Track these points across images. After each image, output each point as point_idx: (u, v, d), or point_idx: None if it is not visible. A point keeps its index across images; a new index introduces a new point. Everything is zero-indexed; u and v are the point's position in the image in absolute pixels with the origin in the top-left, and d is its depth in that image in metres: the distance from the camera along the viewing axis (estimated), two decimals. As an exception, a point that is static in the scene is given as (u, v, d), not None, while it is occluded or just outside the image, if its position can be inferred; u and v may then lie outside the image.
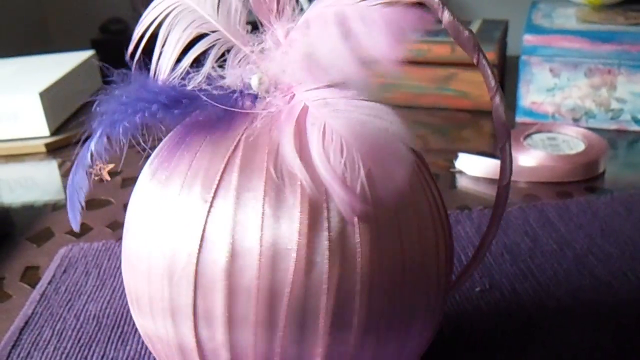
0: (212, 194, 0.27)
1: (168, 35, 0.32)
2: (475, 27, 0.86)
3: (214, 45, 0.32)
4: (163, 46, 0.32)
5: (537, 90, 0.75)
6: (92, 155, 0.29)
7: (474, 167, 0.64)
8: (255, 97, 0.30)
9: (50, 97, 0.80)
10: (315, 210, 0.26)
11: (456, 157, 0.66)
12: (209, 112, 0.29)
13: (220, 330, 0.27)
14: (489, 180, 0.64)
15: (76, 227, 0.32)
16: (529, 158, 0.64)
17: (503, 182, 0.33)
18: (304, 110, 0.27)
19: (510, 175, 0.33)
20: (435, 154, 0.70)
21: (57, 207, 0.64)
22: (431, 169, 0.33)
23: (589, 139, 0.67)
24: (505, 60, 0.91)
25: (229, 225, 0.27)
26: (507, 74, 0.91)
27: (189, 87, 0.30)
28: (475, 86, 0.80)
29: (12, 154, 0.77)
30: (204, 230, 0.27)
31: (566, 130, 0.69)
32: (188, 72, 0.31)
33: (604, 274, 0.48)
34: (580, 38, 0.72)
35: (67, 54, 0.93)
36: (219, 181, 0.27)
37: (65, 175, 0.71)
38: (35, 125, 0.79)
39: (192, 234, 0.27)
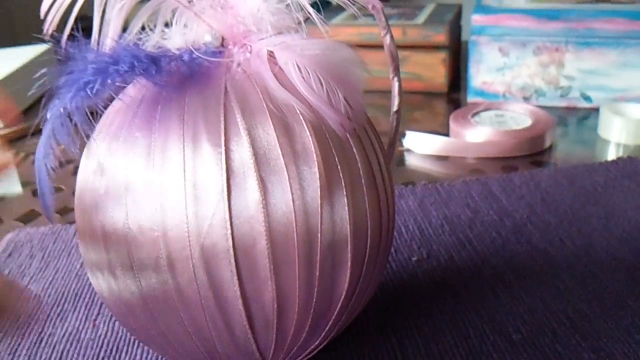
0: (223, 138, 0.28)
1: (106, 3, 0.31)
2: (428, 11, 0.87)
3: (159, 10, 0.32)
4: (103, 15, 0.31)
5: (487, 70, 0.76)
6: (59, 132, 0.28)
7: (421, 145, 0.65)
8: (212, 53, 0.31)
9: (6, 89, 0.79)
10: (318, 131, 0.29)
11: (404, 135, 0.66)
12: (173, 72, 0.29)
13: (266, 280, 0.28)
14: (436, 157, 0.64)
15: (50, 216, 0.30)
16: (476, 134, 0.65)
17: (393, 109, 0.38)
18: (270, 54, 0.30)
19: (400, 102, 0.38)
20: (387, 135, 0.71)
21: (7, 197, 0.64)
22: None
23: (536, 115, 0.68)
24: (460, 44, 0.92)
25: (250, 159, 0.28)
26: (462, 58, 0.92)
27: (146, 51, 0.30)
28: (428, 68, 0.81)
29: (-34, 147, 0.77)
30: (227, 168, 0.27)
31: (514, 107, 0.70)
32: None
33: (541, 241, 0.49)
34: (527, 16, 0.73)
35: (25, 47, 0.93)
36: (225, 124, 0.28)
37: (18, 166, 0.71)
38: (-11, 117, 0.78)
39: (215, 176, 0.27)
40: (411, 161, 0.64)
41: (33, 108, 0.86)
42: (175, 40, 0.32)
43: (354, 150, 0.30)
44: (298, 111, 0.29)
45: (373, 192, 0.31)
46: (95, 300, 0.45)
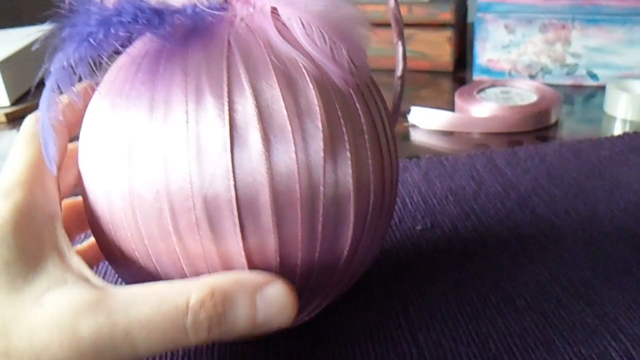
0: (225, 91, 0.27)
1: None
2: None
3: None
4: None
5: (493, 47, 0.76)
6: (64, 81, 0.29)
7: (426, 120, 0.65)
8: (216, 8, 0.31)
9: (10, 67, 0.80)
10: (322, 86, 0.29)
11: (409, 111, 0.66)
12: (177, 25, 0.29)
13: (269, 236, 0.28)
14: (441, 133, 0.64)
15: (52, 167, 0.30)
16: (481, 110, 0.65)
17: (398, 73, 0.38)
18: (273, 11, 0.30)
19: (405, 67, 0.38)
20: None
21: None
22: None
23: (542, 91, 0.67)
24: (466, 23, 0.91)
25: (253, 112, 0.27)
26: (468, 37, 0.92)
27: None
28: (434, 47, 0.81)
29: (-28, 124, 0.77)
30: (230, 123, 0.27)
31: (520, 84, 0.70)
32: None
33: (546, 212, 0.48)
34: (533, -7, 0.73)
35: (31, 27, 0.93)
36: (228, 77, 0.28)
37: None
38: (-5, 95, 0.79)
39: (217, 130, 0.27)
40: (416, 136, 0.64)
41: (37, 87, 0.86)
42: None
43: (357, 106, 0.30)
44: (301, 66, 0.29)
45: (376, 149, 0.31)
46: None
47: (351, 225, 0.30)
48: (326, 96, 0.29)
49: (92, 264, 0.40)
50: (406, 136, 0.64)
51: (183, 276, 0.29)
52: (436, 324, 0.37)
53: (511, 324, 0.37)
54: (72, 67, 0.28)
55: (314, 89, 0.29)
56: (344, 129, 0.29)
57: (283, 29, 0.30)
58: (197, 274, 0.29)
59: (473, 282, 0.41)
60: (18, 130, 0.74)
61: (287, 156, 0.28)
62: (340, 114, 0.29)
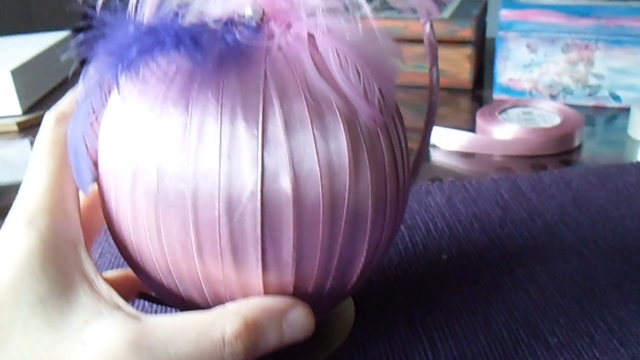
0: (260, 127, 0.27)
1: None
2: (454, 5, 0.85)
3: None
4: None
5: (514, 66, 0.74)
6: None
7: (447, 141, 0.64)
8: (252, 29, 0.30)
9: (22, 75, 0.79)
10: (351, 126, 0.29)
11: (430, 131, 0.65)
12: (213, 49, 0.28)
13: (287, 252, 0.29)
14: (462, 154, 0.63)
15: (86, 192, 0.30)
16: (503, 131, 0.63)
17: (433, 97, 0.37)
18: (311, 38, 0.29)
19: (438, 92, 0.37)
20: (412, 131, 0.69)
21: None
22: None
23: (565, 113, 0.66)
24: (485, 40, 0.90)
25: (285, 154, 0.27)
26: (487, 54, 0.90)
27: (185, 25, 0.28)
28: (453, 64, 0.79)
29: (-17, 133, 0.76)
30: (262, 164, 0.27)
31: (542, 105, 0.69)
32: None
33: (574, 242, 0.47)
34: (557, 12, 0.71)
35: (44, 34, 0.92)
36: (264, 113, 0.27)
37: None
38: (7, 104, 0.77)
39: (249, 169, 0.27)
40: (437, 157, 0.63)
41: (49, 96, 0.85)
42: (215, 9, 0.30)
43: (382, 143, 0.30)
44: (334, 104, 0.28)
45: (394, 182, 0.31)
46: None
47: (362, 259, 0.31)
48: (354, 136, 0.29)
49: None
50: (427, 157, 0.63)
51: (201, 295, 0.30)
52: (466, 362, 0.36)
53: (544, 363, 0.36)
54: (105, 88, 0.27)
55: (344, 131, 0.28)
56: (368, 171, 0.29)
57: (318, 58, 0.29)
58: (217, 296, 0.30)
59: (503, 316, 0.39)
60: (30, 139, 0.73)
61: (314, 196, 0.28)
62: (366, 155, 0.29)
